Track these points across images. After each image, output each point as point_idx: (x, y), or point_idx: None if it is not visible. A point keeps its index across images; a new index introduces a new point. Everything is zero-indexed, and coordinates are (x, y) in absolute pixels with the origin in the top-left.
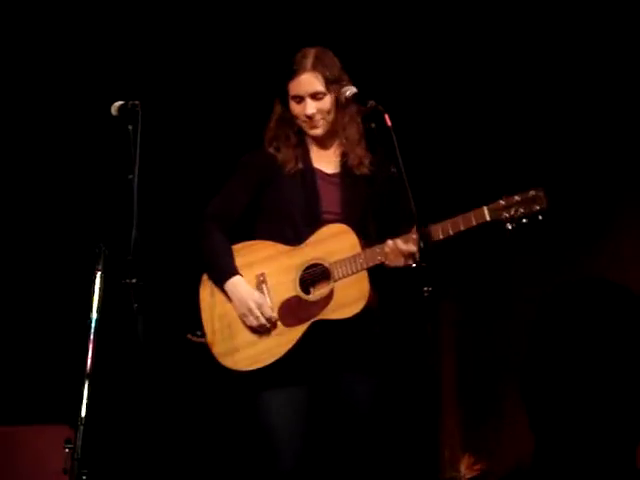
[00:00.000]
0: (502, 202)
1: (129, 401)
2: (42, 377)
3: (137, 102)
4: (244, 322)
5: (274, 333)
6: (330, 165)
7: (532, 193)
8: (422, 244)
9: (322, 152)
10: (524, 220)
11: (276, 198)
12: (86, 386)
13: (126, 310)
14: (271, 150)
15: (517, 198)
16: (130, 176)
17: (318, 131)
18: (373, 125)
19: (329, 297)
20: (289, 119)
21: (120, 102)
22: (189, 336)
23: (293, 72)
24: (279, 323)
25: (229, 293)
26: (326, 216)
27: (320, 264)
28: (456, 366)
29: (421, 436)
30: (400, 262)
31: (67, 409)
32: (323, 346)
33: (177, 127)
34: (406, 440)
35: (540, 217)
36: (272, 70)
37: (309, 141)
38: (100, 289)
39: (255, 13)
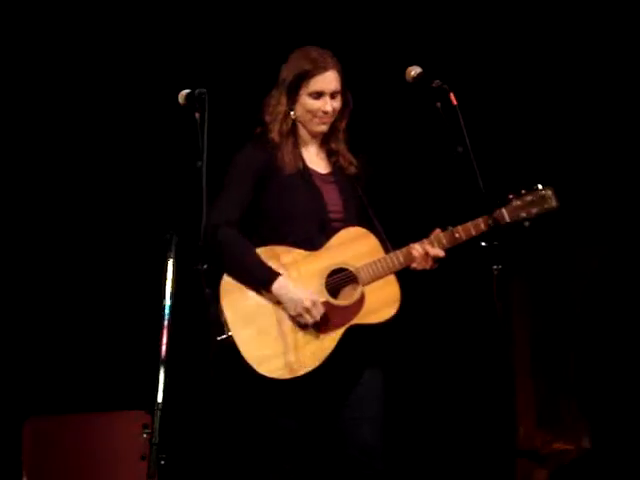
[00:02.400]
0: (518, 202)
1: (203, 386)
2: (119, 364)
3: (204, 90)
4: (298, 322)
5: (308, 340)
6: (321, 165)
7: (542, 192)
8: (492, 222)
9: (311, 152)
10: (536, 218)
11: (279, 199)
12: (162, 372)
13: (198, 296)
14: (272, 145)
15: (530, 197)
16: (199, 163)
17: (324, 127)
18: (439, 104)
19: (360, 302)
20: (289, 113)
21: (187, 90)
22: (219, 339)
23: (317, 68)
24: (312, 330)
25: (278, 296)
26: (332, 215)
27: (345, 269)
28: (530, 342)
29: (497, 413)
30: (427, 265)
31: (144, 395)
32: (357, 351)
33: (244, 114)
34: (482, 417)
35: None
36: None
37: (300, 140)
38: (172, 276)
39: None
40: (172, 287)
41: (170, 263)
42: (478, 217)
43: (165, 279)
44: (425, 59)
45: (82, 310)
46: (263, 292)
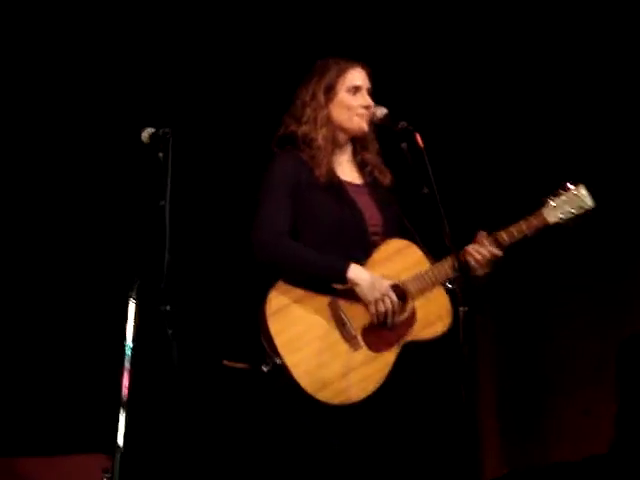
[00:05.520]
0: (553, 203)
1: (165, 428)
2: (78, 406)
3: (168, 129)
4: (376, 308)
5: (364, 361)
6: (353, 176)
7: (576, 191)
8: (457, 265)
9: (342, 163)
10: (574, 219)
11: (313, 212)
12: (122, 414)
13: (160, 337)
14: (305, 156)
15: (565, 197)
16: (162, 203)
17: (365, 126)
18: (404, 145)
19: (412, 317)
20: (327, 120)
21: (151, 129)
22: (225, 362)
23: (351, 64)
24: (367, 350)
25: (356, 280)
26: (371, 229)
27: (393, 284)
28: (495, 383)
29: (462, 456)
30: (482, 269)
31: (104, 438)
32: (413, 368)
33: (208, 154)
34: (447, 461)
35: (589, 213)
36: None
37: (334, 150)
38: (134, 317)
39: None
40: (134, 328)
41: (132, 304)
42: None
43: (127, 320)
44: (391, 99)
45: (41, 349)
46: (312, 314)
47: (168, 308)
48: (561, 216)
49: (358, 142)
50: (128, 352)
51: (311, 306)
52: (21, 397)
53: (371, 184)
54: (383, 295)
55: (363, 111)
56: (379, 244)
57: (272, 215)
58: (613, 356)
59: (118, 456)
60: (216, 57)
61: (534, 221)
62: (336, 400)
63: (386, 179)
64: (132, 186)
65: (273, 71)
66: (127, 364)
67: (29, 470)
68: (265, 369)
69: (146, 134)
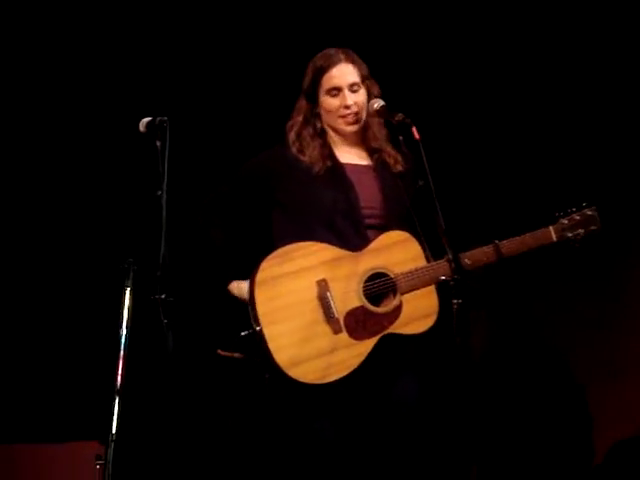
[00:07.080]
0: (565, 221)
1: (159, 416)
2: (72, 394)
3: (165, 118)
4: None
5: (341, 346)
6: (360, 158)
7: (589, 212)
8: (451, 256)
9: (348, 149)
10: (581, 240)
11: (306, 198)
12: (116, 402)
13: (156, 326)
14: (294, 150)
15: (577, 217)
16: (159, 192)
17: (354, 127)
18: (401, 138)
19: (398, 310)
20: (314, 118)
21: (148, 118)
22: (220, 351)
23: (327, 65)
24: (346, 335)
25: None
26: (365, 211)
27: (384, 274)
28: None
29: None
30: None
31: (98, 425)
32: (387, 360)
33: (205, 143)
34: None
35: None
36: (296, 68)
37: (332, 141)
38: (129, 305)
39: (276, 30)
40: (129, 317)
41: (127, 292)
42: (483, 245)
43: (122, 308)
44: (388, 92)
45: (36, 337)
46: (299, 290)
47: (164, 297)
48: (569, 235)
49: (364, 129)
50: (122, 340)
51: (300, 282)
52: (15, 384)
53: (380, 168)
54: None
55: (345, 111)
56: (374, 225)
57: (215, 201)
58: (612, 352)
59: (112, 444)
60: (212, 44)
61: (540, 238)
62: (306, 379)
63: (397, 165)
64: (129, 175)
65: (271, 58)
66: (122, 352)
67: (23, 457)
68: (243, 334)
69: (143, 123)
